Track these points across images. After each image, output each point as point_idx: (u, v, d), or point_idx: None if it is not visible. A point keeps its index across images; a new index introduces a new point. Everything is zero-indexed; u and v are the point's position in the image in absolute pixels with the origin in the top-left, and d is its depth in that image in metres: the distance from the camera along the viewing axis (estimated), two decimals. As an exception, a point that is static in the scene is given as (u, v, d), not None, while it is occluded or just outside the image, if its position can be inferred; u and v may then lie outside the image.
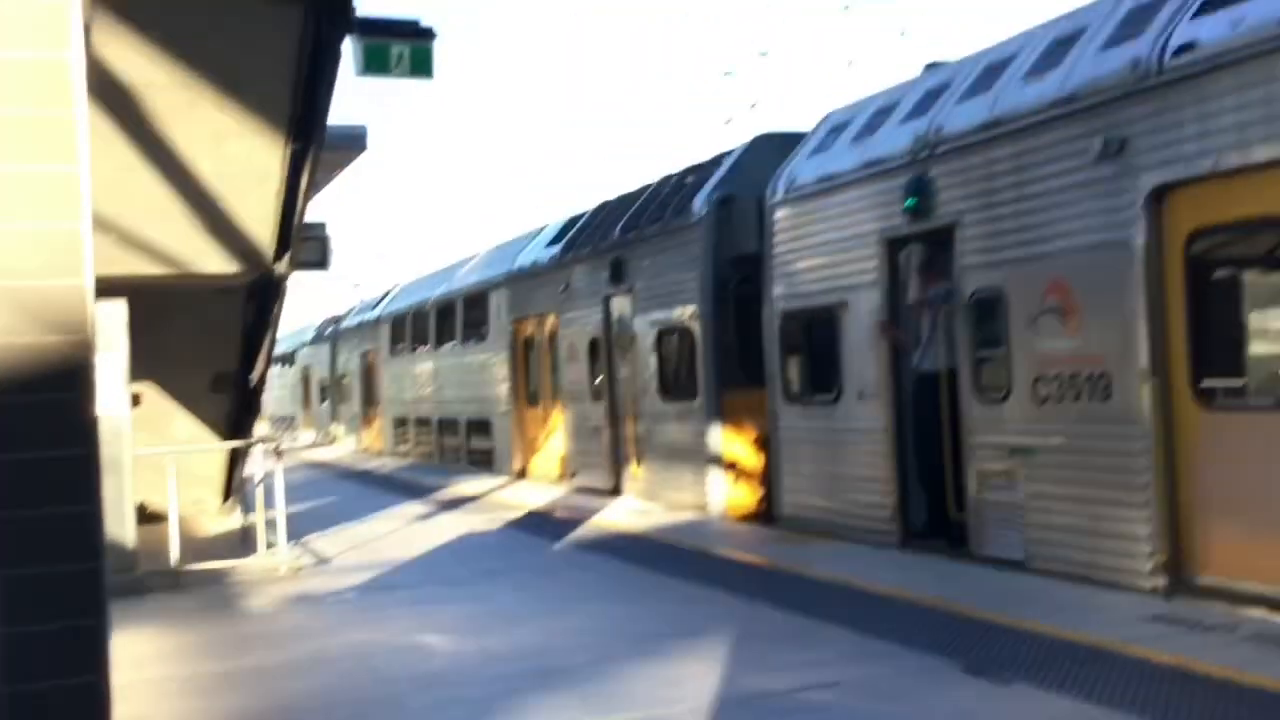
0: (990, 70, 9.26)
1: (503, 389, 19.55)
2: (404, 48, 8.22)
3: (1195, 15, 7.27)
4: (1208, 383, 7.25)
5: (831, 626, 7.18)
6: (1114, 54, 7.80)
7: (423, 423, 24.51)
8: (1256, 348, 7.23)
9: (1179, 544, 7.34)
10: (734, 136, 34.37)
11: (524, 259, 18.81)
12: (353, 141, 11.51)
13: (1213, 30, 7.04)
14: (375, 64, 8.23)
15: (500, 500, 15.88)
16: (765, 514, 12.43)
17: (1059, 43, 8.58)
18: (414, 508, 15.44)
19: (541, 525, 12.98)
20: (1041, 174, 8.30)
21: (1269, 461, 6.79)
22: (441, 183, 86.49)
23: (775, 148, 12.88)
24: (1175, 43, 7.28)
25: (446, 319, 22.79)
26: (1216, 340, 7.36)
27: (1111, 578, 7.68)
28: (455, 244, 32.50)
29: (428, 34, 8.25)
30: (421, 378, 24.37)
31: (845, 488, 10.76)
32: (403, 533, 13.00)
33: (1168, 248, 7.38)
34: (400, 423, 26.14)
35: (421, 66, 8.25)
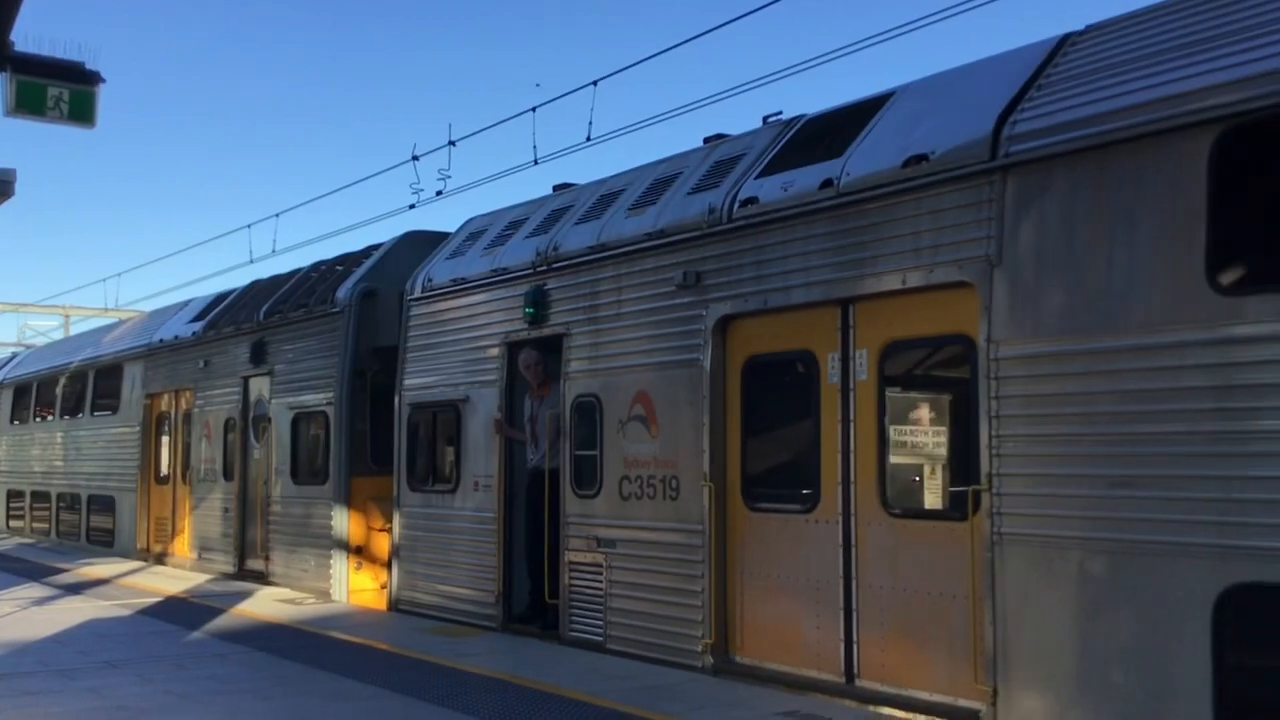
0: (603, 199, 10.35)
1: (130, 465, 18.84)
2: (64, 90, 7.51)
3: (759, 175, 8.58)
4: (752, 488, 8.42)
5: (425, 706, 7.62)
6: (697, 199, 9.01)
7: (40, 497, 23.04)
8: (794, 458, 8.45)
9: (726, 628, 8.41)
10: (420, 220, 35.04)
11: (165, 332, 18.37)
12: None
13: (770, 190, 8.34)
14: (29, 104, 7.42)
15: (128, 584, 15.23)
16: (388, 600, 12.78)
17: (658, 182, 9.76)
18: (27, 590, 14.51)
19: (168, 612, 12.63)
20: (635, 296, 9.38)
21: (792, 557, 7.97)
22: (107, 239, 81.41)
23: (422, 245, 13.54)
24: (742, 196, 8.55)
25: (76, 388, 21.70)
26: (761, 451, 8.56)
27: (671, 658, 8.66)
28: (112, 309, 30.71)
29: (93, 77, 7.61)
30: (45, 449, 22.99)
31: (457, 573, 11.34)
32: (12, 618, 12.23)
33: (729, 370, 8.56)
34: (16, 496, 24.45)
35: (82, 112, 7.57)
